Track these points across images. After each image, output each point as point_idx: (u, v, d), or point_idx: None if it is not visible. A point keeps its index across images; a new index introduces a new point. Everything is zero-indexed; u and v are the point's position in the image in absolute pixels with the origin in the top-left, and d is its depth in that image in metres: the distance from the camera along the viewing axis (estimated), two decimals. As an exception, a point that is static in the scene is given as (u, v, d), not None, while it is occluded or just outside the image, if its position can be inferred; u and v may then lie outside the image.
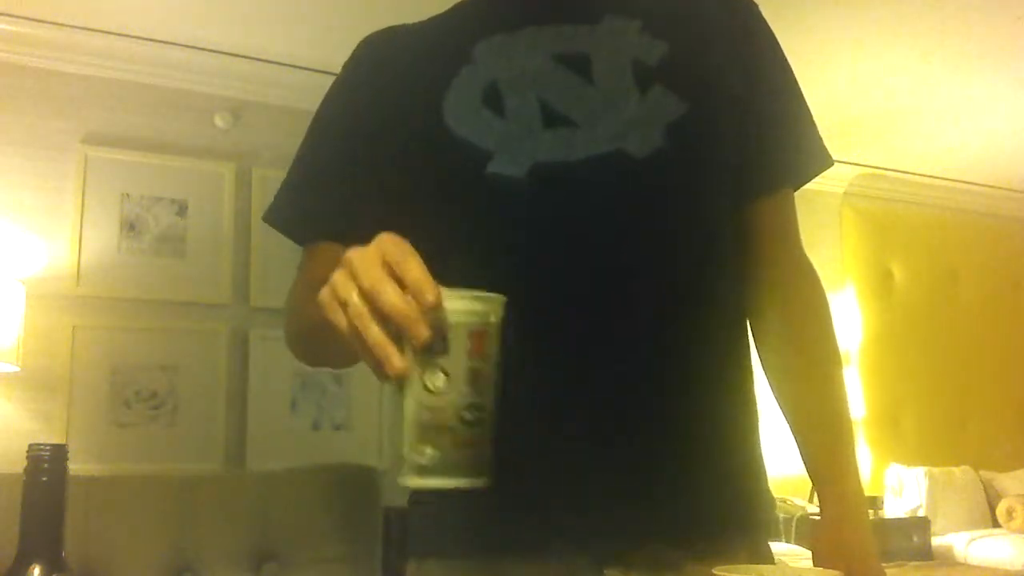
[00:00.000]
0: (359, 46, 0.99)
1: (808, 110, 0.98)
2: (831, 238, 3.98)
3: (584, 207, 0.84)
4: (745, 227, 0.95)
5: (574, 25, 0.90)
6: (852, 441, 0.95)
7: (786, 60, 0.98)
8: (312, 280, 0.74)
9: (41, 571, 0.73)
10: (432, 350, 0.61)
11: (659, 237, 0.85)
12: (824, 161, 0.98)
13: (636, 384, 0.82)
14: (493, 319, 0.63)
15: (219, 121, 3.00)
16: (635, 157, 0.83)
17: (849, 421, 0.95)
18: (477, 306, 0.63)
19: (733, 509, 0.86)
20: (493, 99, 0.87)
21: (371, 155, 0.92)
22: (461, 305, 0.62)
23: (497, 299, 0.63)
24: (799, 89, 0.98)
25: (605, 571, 0.80)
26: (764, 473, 0.92)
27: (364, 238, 0.66)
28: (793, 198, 0.99)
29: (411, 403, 0.62)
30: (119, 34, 2.83)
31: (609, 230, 0.84)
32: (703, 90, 0.88)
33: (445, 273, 0.92)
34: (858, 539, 0.89)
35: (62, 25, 2.76)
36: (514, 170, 0.84)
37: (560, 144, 0.84)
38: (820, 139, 0.99)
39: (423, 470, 0.62)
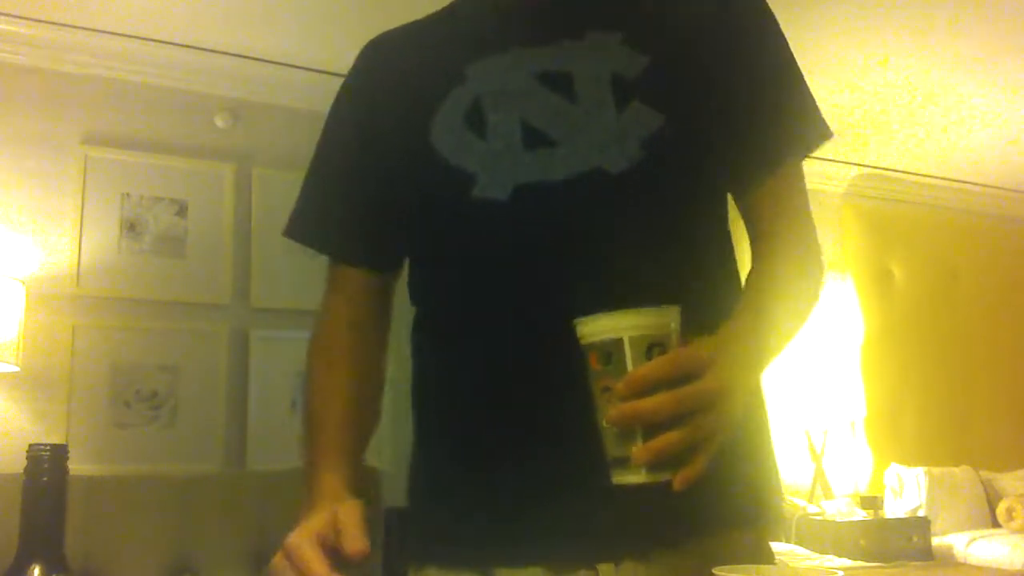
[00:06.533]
0: (361, 53, 1.01)
1: (804, 83, 0.95)
2: (831, 238, 3.98)
3: (566, 227, 0.85)
4: (750, 210, 0.94)
5: (559, 44, 0.91)
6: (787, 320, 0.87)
7: (781, 35, 0.95)
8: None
9: (41, 571, 0.73)
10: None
11: (642, 251, 0.85)
12: (821, 132, 0.94)
13: None
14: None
15: (219, 121, 3.00)
16: (612, 173, 0.84)
17: (793, 313, 0.88)
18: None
19: (733, 508, 0.85)
20: (476, 119, 0.88)
21: (368, 165, 0.95)
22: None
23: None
24: (795, 64, 0.95)
25: (597, 566, 0.81)
26: (773, 477, 0.90)
27: (377, 250, 0.77)
28: (798, 171, 0.95)
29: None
30: (119, 34, 2.83)
31: (591, 249, 0.84)
32: (683, 98, 0.87)
33: (436, 287, 0.94)
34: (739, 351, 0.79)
35: (62, 25, 2.76)
36: (497, 193, 0.85)
37: (540, 165, 0.85)
38: (817, 111, 0.95)
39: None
